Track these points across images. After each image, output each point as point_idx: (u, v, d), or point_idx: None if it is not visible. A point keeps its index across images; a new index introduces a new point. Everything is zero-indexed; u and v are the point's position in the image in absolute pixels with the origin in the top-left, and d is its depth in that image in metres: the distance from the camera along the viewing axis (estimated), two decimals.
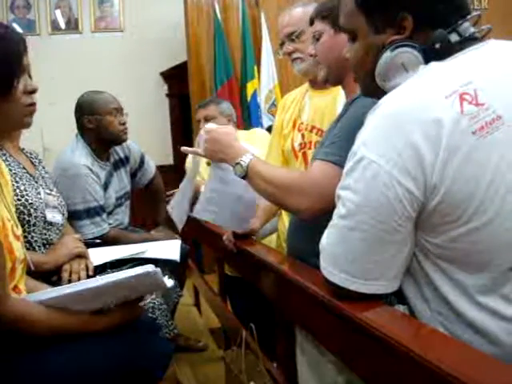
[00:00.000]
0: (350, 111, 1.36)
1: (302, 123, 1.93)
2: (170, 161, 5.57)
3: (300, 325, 1.38)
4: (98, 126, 2.46)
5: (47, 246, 1.85)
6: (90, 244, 2.11)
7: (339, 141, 1.30)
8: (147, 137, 4.50)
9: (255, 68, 4.71)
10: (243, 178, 1.43)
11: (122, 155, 2.68)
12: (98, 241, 2.24)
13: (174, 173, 4.92)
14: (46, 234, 1.84)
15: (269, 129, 3.97)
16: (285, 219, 2.10)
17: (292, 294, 1.32)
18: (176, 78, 5.81)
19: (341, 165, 1.22)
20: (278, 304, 1.52)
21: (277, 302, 1.52)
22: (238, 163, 1.43)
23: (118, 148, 2.64)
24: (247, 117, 4.68)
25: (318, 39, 1.49)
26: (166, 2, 5.57)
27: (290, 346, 1.45)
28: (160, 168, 3.04)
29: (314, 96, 1.95)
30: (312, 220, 1.43)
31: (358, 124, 1.24)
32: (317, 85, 1.91)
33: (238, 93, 4.75)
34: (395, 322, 0.94)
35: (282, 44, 1.90)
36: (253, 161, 1.43)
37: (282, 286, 1.40)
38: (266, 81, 4.66)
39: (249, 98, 4.67)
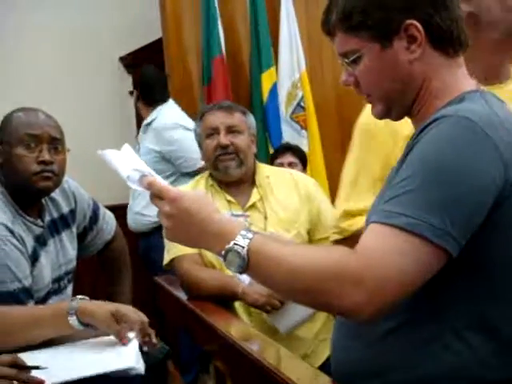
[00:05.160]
0: (422, 143, 1.26)
1: None
2: None
3: None
4: (5, 162, 2.17)
5: None
6: None
7: (407, 191, 1.21)
8: (99, 161, 3.71)
9: (272, 51, 4.20)
10: (242, 272, 1.27)
11: (64, 210, 2.34)
12: None
13: None
14: None
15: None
16: None
17: None
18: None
19: (406, 229, 1.14)
20: None
21: None
22: (229, 250, 1.25)
23: (58, 198, 2.30)
24: (262, 127, 4.04)
25: (355, 62, 1.39)
26: None
27: None
28: (119, 210, 3.03)
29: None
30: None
31: (440, 159, 1.19)
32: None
33: (248, 89, 4.26)
34: None
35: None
36: (256, 241, 1.24)
37: None
38: (287, 70, 4.18)
39: (265, 98, 4.10)
